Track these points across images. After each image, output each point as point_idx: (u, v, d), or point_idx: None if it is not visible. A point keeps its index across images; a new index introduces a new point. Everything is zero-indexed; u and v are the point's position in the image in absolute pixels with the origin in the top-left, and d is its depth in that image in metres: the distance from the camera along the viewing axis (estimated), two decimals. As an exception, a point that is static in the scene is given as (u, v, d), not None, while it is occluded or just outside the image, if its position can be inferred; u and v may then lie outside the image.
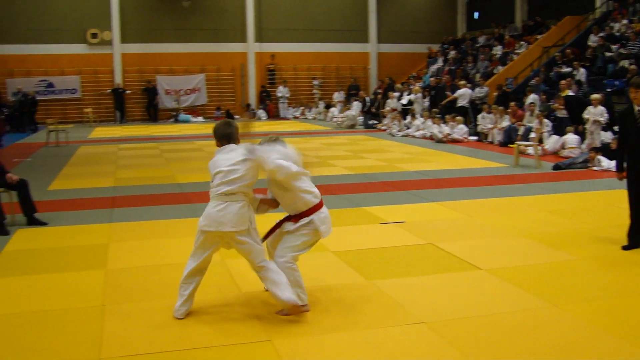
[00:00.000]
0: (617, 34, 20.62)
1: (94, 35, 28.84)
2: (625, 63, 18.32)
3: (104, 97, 29.33)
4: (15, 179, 8.44)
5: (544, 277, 5.98)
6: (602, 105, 15.00)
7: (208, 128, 27.82)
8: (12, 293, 5.73)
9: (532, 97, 18.12)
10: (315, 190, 5.15)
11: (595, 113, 14.93)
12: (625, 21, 20.99)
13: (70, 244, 7.45)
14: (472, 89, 21.57)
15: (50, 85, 28.62)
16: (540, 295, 5.44)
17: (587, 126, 15.12)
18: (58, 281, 6.04)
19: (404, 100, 23.72)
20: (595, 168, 12.75)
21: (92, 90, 29.29)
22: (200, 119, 29.82)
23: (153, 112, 29.54)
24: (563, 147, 14.98)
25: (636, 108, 6.76)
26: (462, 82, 21.68)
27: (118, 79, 29.25)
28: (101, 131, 24.80)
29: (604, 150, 13.06)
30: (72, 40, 28.69)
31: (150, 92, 29.36)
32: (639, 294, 5.52)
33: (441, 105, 21.18)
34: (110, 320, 5.00)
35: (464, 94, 20.85)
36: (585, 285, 5.75)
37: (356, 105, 26.23)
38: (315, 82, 31.80)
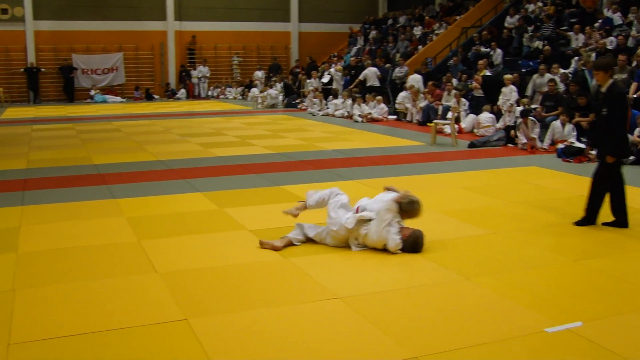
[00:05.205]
0: (532, 15, 21.20)
1: (5, 11, 27.70)
2: (539, 44, 18.87)
3: (16, 76, 28.29)
4: None
5: (457, 252, 6.16)
6: (515, 85, 15.47)
7: (126, 108, 27.01)
8: None
9: (454, 82, 18.41)
10: None
11: (506, 92, 15.42)
12: (540, 3, 21.59)
13: (-22, 228, 7.21)
14: (392, 68, 21.79)
15: (-43, 63, 27.41)
16: (454, 269, 5.60)
17: (500, 104, 15.57)
18: (-35, 266, 5.83)
19: (325, 79, 23.80)
20: (520, 146, 12.81)
21: (3, 69, 28.20)
22: (118, 98, 29.19)
23: (69, 92, 28.71)
24: (479, 125, 15.36)
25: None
26: (368, 62, 21.83)
27: (31, 58, 28.24)
28: (13, 112, 23.94)
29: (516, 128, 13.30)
30: (-20, 16, 27.51)
31: (66, 71, 28.50)
32: (545, 266, 5.76)
33: (352, 89, 21.10)
34: (21, 305, 4.87)
35: (368, 74, 20.99)
36: (496, 259, 5.95)
37: (278, 85, 26.16)
38: (235, 60, 31.49)
